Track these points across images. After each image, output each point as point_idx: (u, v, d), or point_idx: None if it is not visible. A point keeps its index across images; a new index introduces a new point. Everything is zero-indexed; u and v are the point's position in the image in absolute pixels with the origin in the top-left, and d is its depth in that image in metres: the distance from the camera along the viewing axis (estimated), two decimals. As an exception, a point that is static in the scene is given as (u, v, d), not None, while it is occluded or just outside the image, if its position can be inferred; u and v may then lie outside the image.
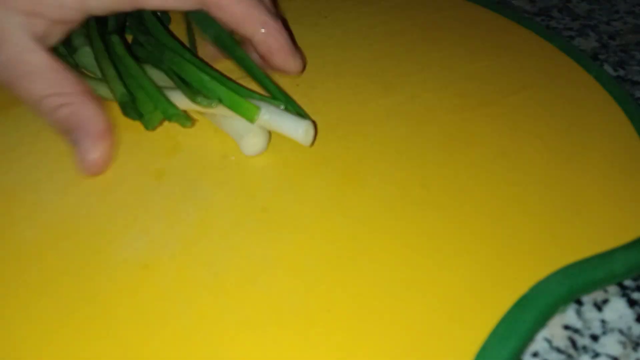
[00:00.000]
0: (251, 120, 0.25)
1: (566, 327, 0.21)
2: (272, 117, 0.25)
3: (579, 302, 0.22)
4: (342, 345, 0.19)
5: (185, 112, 0.26)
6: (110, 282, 0.21)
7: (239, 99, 0.25)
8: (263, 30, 0.27)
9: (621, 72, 0.35)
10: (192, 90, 0.26)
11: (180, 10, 0.28)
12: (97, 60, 0.28)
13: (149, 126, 0.26)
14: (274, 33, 0.27)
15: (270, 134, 0.27)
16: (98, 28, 0.29)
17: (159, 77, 0.28)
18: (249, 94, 0.26)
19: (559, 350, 0.20)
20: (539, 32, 0.37)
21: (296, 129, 0.25)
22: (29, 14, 0.25)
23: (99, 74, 0.28)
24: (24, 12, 0.25)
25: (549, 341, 0.21)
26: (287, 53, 0.28)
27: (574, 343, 0.21)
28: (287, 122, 0.25)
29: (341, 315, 0.20)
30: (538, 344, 0.21)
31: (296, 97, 0.30)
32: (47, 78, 0.25)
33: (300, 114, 0.26)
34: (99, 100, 0.26)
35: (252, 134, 0.26)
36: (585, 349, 0.21)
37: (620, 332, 0.21)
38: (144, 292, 0.21)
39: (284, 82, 0.31)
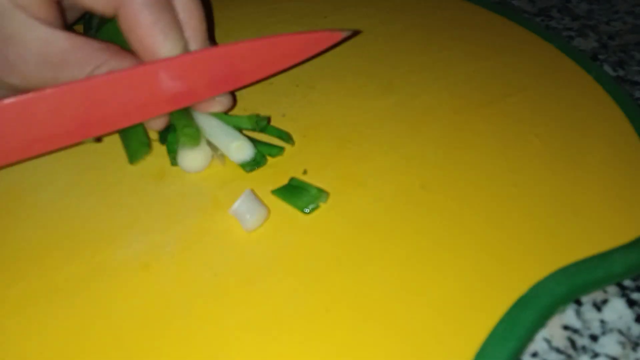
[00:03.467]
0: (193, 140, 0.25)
1: (565, 327, 0.21)
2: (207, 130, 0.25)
3: (579, 302, 0.22)
4: (341, 346, 0.19)
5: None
6: (111, 283, 0.21)
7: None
8: None
9: (621, 72, 0.35)
10: None
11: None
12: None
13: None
14: None
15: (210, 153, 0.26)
16: None
17: None
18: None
19: (558, 351, 0.21)
20: (539, 33, 0.37)
21: (228, 144, 0.25)
22: None
23: None
24: None
25: (548, 341, 0.21)
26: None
27: (573, 343, 0.21)
28: (220, 134, 0.25)
29: (341, 315, 0.20)
30: (537, 344, 0.21)
31: (296, 97, 0.30)
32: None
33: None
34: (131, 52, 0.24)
35: (190, 149, 0.25)
36: (584, 349, 0.21)
37: (620, 332, 0.21)
38: (145, 293, 0.21)
39: (284, 83, 0.31)
